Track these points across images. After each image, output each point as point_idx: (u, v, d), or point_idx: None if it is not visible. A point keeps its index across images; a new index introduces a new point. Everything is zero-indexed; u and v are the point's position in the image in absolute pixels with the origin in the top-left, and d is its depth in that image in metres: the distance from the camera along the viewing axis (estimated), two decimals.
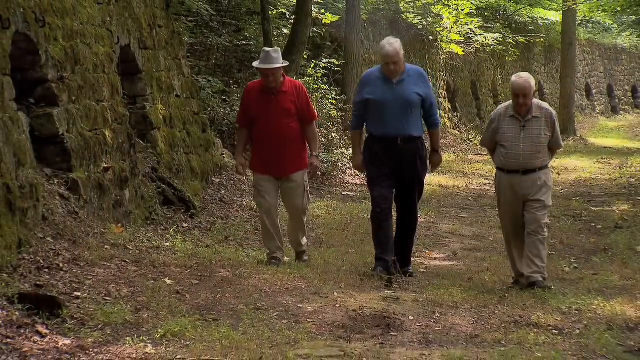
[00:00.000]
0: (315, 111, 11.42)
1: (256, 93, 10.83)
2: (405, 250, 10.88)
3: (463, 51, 30.90)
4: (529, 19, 38.27)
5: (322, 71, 21.73)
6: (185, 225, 13.10)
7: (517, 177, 10.06)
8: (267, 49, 10.98)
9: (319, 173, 17.96)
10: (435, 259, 12.68)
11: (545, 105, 10.37)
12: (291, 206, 11.05)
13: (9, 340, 6.82)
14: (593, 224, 15.46)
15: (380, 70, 10.63)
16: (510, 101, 10.19)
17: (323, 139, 20.32)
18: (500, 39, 33.67)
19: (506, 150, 10.04)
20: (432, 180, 20.73)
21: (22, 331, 7.08)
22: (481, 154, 27.33)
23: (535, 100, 10.14)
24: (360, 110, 10.71)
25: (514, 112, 10.04)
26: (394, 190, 10.74)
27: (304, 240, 11.28)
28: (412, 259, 11.19)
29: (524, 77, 10.01)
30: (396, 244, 10.75)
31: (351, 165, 11.67)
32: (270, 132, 10.65)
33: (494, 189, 19.43)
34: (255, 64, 10.90)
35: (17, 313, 7.37)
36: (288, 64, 11.74)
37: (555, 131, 10.13)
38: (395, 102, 10.39)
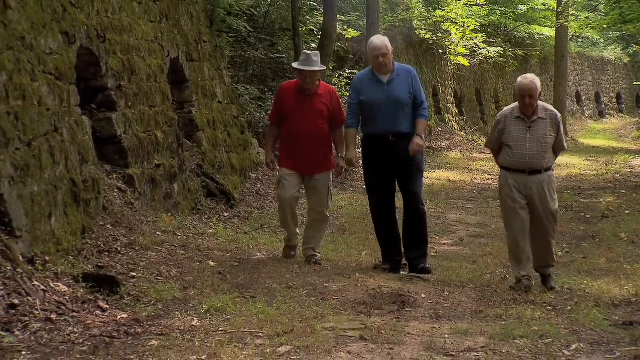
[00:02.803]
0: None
1: (291, 92, 9.97)
2: (416, 247, 9.75)
3: (469, 63, 30.83)
4: (526, 35, 38.14)
5: (345, 80, 21.73)
6: (226, 214, 13.12)
7: (523, 177, 9.01)
8: (307, 51, 10.09)
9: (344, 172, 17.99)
10: (444, 244, 12.65)
11: (551, 107, 9.28)
12: (314, 204, 10.07)
13: (74, 313, 6.86)
14: (583, 214, 15.40)
15: (370, 71, 9.70)
16: (516, 103, 9.15)
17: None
18: (501, 52, 33.61)
19: (512, 150, 9.02)
20: (441, 175, 20.72)
21: (86, 306, 7.12)
22: (484, 153, 27.26)
23: (541, 103, 9.12)
24: (355, 110, 9.69)
25: (519, 113, 9.01)
26: (396, 185, 9.80)
27: (320, 248, 10.21)
28: (426, 253, 9.96)
29: (529, 78, 9.02)
30: (407, 241, 9.79)
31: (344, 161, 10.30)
32: (302, 131, 9.80)
33: (496, 183, 19.47)
34: (295, 64, 10.09)
35: (81, 290, 7.42)
36: (325, 68, 11.26)
37: (560, 133, 9.11)
38: (386, 102, 9.45)
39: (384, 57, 9.43)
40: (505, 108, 9.43)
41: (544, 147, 9.01)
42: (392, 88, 9.49)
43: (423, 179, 10.07)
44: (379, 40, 9.52)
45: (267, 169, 11.75)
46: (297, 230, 10.19)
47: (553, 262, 9.36)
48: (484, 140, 30.76)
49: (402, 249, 9.88)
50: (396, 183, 9.84)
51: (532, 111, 8.98)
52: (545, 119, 9.02)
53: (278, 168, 10.27)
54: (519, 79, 9.13)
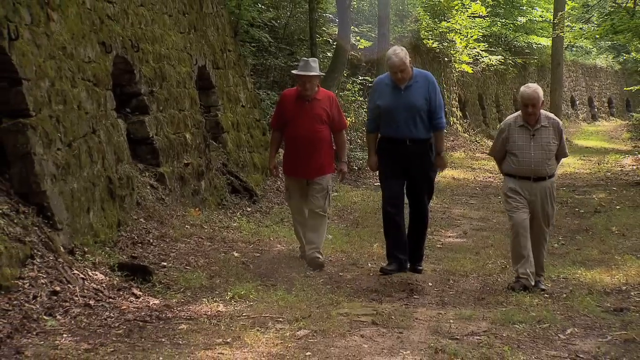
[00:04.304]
0: (346, 121, 9.93)
1: (292, 99, 9.47)
2: (416, 247, 9.18)
3: (472, 70, 30.76)
4: (525, 44, 37.99)
5: (358, 86, 21.72)
6: (249, 209, 13.13)
7: (528, 184, 8.48)
8: (306, 58, 9.73)
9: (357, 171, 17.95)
10: (449, 237, 12.63)
11: (553, 115, 8.75)
12: (313, 206, 9.44)
13: (111, 299, 6.90)
14: (577, 209, 15.34)
15: (389, 77, 9.00)
16: (519, 112, 8.63)
17: (359, 141, 20.31)
18: (502, 60, 33.51)
19: (517, 158, 8.47)
20: (446, 173, 20.63)
21: (121, 293, 7.15)
22: (486, 153, 27.21)
23: (543, 111, 8.55)
24: (373, 115, 9.11)
25: (523, 121, 8.48)
26: (405, 188, 9.15)
27: (321, 247, 9.46)
28: (424, 253, 9.50)
29: (532, 87, 8.49)
30: (408, 240, 9.13)
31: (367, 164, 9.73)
32: (302, 135, 9.31)
33: (497, 180, 19.43)
34: (295, 71, 9.65)
35: (117, 278, 7.45)
36: (324, 74, 10.74)
37: (562, 140, 8.58)
38: (403, 107, 8.80)
39: (402, 73, 8.83)
40: (509, 117, 8.89)
41: (548, 155, 8.50)
42: (409, 94, 8.87)
43: (434, 186, 9.39)
44: (397, 57, 8.78)
45: (271, 175, 10.76)
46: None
47: (542, 271, 8.72)
48: (486, 141, 30.74)
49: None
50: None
51: (535, 120, 8.49)
52: (548, 127, 8.51)
53: (281, 175, 9.79)
54: (522, 88, 8.63)
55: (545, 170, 8.51)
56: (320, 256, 9.31)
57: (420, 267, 9.20)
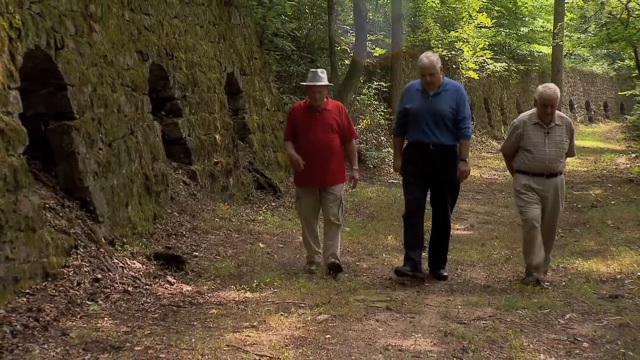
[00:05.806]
0: (356, 130, 9.27)
1: (302, 111, 8.76)
2: (437, 253, 8.56)
3: (478, 76, 30.65)
4: (527, 52, 37.83)
5: (373, 91, 21.69)
6: (273, 204, 13.14)
7: (541, 180, 8.04)
8: (314, 69, 9.02)
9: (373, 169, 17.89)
10: (457, 229, 12.57)
11: (565, 115, 8.30)
12: (328, 215, 8.67)
13: (147, 286, 6.93)
14: (575, 204, 15.25)
15: (420, 83, 8.39)
16: (532, 110, 8.20)
17: (374, 141, 20.29)
18: (506, 67, 33.37)
19: (533, 155, 8.02)
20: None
21: (157, 280, 7.18)
22: (491, 152, 27.11)
23: (556, 111, 8.09)
24: (401, 118, 8.49)
25: (537, 119, 8.03)
26: (428, 193, 8.52)
27: (339, 252, 8.69)
28: (446, 260, 8.68)
29: (552, 89, 8.02)
30: (430, 246, 8.62)
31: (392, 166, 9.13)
32: (315, 144, 8.59)
33: (501, 178, 19.35)
34: (304, 82, 9.04)
35: (153, 267, 7.48)
36: (332, 85, 10.16)
37: (572, 139, 8.19)
38: (429, 112, 8.18)
39: (431, 76, 8.24)
40: (522, 114, 8.40)
41: (560, 152, 8.08)
42: (436, 100, 8.26)
43: (457, 193, 8.67)
44: (428, 60, 8.26)
45: (295, 168, 9.33)
46: (318, 248, 8.82)
47: (544, 269, 8.32)
48: (491, 142, 30.63)
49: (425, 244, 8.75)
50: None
51: (550, 119, 8.06)
52: (562, 125, 8.10)
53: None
54: (541, 88, 8.13)
55: (557, 167, 8.11)
56: (338, 261, 8.67)
57: (445, 274, 8.50)
